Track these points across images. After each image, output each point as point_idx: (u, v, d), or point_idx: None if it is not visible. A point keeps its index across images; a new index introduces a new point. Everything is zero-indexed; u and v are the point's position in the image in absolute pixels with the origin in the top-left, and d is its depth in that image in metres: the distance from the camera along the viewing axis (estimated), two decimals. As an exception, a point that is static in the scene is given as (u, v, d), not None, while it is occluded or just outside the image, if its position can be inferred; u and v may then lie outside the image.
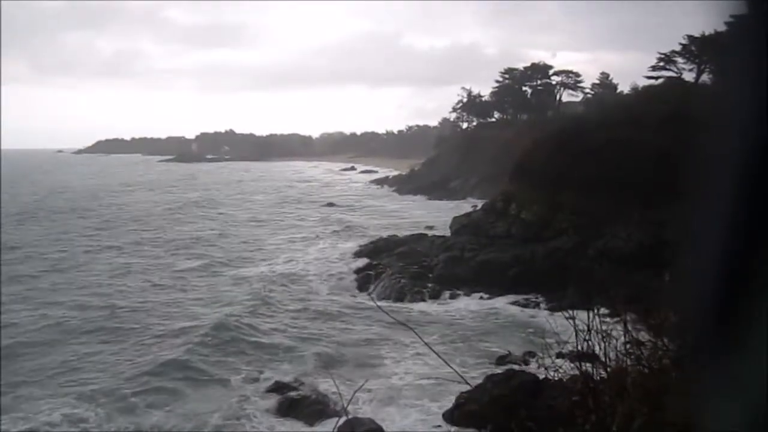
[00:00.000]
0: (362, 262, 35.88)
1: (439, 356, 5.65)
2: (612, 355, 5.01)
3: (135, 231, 51.72)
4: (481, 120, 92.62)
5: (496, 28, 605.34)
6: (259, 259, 39.22)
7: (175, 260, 38.63)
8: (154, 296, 29.82)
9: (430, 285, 30.68)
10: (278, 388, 18.59)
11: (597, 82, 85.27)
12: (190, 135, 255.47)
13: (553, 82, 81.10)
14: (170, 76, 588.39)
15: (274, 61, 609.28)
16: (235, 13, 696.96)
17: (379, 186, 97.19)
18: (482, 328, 24.89)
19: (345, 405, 5.37)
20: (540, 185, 35.02)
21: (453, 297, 29.42)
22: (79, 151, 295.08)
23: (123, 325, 25.12)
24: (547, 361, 6.19)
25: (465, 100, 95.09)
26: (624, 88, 77.47)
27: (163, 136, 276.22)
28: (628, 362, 4.95)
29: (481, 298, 29.05)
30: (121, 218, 59.85)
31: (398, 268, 32.91)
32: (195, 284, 32.42)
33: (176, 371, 19.81)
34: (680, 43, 53.51)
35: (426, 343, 6.48)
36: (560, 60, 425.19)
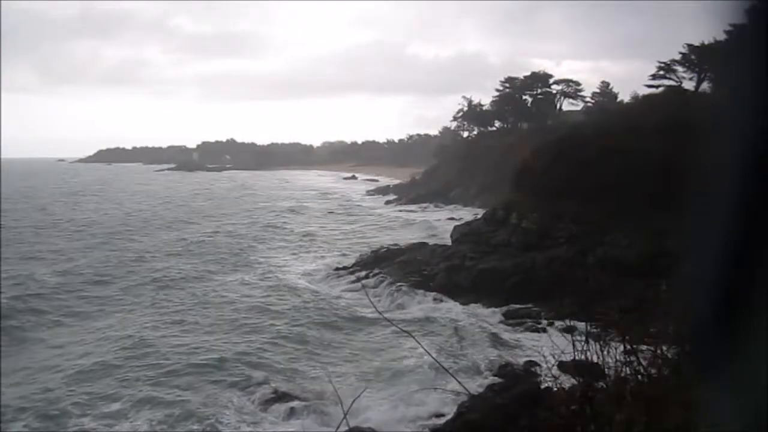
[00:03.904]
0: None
1: (441, 365, 5.63)
2: (611, 363, 5.00)
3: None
4: (482, 129, 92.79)
5: (501, 37, 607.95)
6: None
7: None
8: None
9: (430, 293, 30.64)
10: (279, 396, 18.58)
11: (597, 90, 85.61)
12: (191, 144, 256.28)
13: (554, 91, 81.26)
14: (174, 84, 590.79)
15: (278, 70, 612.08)
16: (241, 22, 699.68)
17: (380, 195, 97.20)
18: (481, 336, 24.82)
19: (344, 413, 5.32)
20: (540, 194, 35.03)
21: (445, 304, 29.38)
22: (80, 161, 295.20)
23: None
24: (547, 371, 6.17)
25: (465, 109, 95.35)
26: (624, 97, 77.76)
27: (164, 145, 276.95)
28: (627, 371, 4.94)
29: (481, 306, 29.01)
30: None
31: (399, 276, 32.91)
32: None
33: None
34: (680, 52, 53.67)
35: (428, 352, 6.46)
36: (564, 69, 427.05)
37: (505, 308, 28.50)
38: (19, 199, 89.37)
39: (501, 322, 27.08)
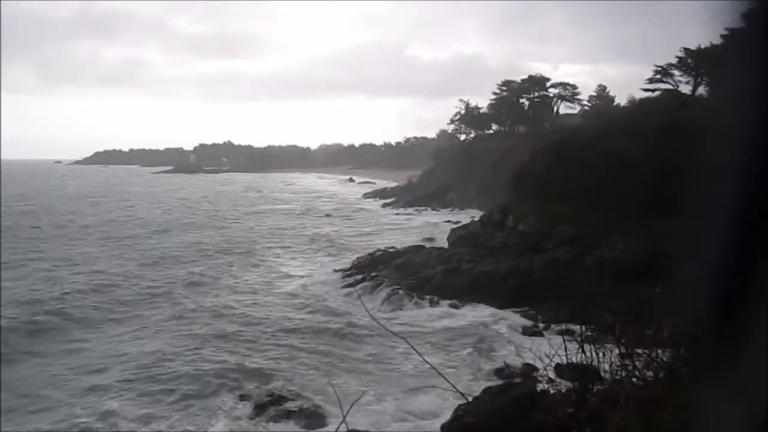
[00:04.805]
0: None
1: (436, 369, 5.63)
2: (606, 366, 5.01)
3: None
4: (479, 132, 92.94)
5: (499, 39, 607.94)
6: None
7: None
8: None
9: (427, 296, 30.62)
10: (276, 399, 18.56)
11: (594, 94, 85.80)
12: (188, 146, 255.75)
13: (551, 95, 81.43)
14: (173, 85, 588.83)
15: (276, 71, 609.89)
16: (240, 22, 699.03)
17: (378, 198, 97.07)
18: (479, 337, 24.83)
19: (344, 415, 5.35)
20: (537, 196, 35.06)
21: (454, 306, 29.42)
22: (77, 162, 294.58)
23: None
24: (544, 373, 6.17)
25: (463, 111, 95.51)
26: (621, 100, 77.95)
27: (161, 147, 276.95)
28: (623, 374, 4.94)
29: (478, 309, 29.02)
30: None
31: (396, 279, 32.88)
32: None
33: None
34: (677, 56, 53.75)
35: (423, 357, 6.46)
36: (561, 72, 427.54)
37: (502, 311, 28.50)
38: (30, 201, 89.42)
39: (497, 323, 27.05)
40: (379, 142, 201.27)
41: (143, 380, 20.40)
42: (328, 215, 73.23)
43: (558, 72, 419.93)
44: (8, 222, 61.35)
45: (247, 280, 36.15)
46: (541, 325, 26.00)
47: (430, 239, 47.40)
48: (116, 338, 25.88)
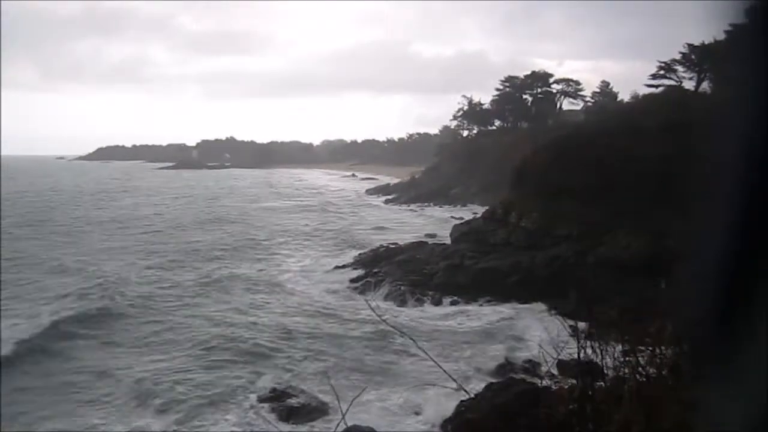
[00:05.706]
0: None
1: (439, 365, 5.63)
2: (609, 363, 5.00)
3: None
4: (482, 128, 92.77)
5: (502, 37, 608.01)
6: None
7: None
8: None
9: (430, 292, 30.61)
10: (276, 395, 18.58)
11: (597, 90, 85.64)
12: (191, 142, 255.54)
13: (554, 91, 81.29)
14: (176, 82, 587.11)
15: (279, 68, 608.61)
16: (244, 20, 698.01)
17: (381, 194, 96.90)
18: (480, 335, 24.84)
19: (343, 412, 5.36)
20: (540, 193, 35.00)
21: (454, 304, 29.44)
22: (80, 158, 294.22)
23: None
24: (547, 370, 6.17)
25: (466, 107, 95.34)
26: (624, 96, 77.80)
27: (164, 143, 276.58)
28: (626, 371, 4.93)
29: (480, 306, 29.02)
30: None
31: (399, 275, 32.86)
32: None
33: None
34: (680, 52, 53.69)
35: (426, 352, 6.46)
36: (565, 68, 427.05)
37: (504, 307, 28.49)
38: (48, 199, 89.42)
39: (499, 320, 27.07)
40: (381, 138, 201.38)
41: (148, 381, 20.41)
42: (333, 212, 73.23)
43: (561, 68, 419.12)
44: (14, 219, 61.30)
45: (252, 277, 36.13)
46: (544, 322, 25.96)
47: (433, 235, 47.38)
48: (123, 339, 25.89)
